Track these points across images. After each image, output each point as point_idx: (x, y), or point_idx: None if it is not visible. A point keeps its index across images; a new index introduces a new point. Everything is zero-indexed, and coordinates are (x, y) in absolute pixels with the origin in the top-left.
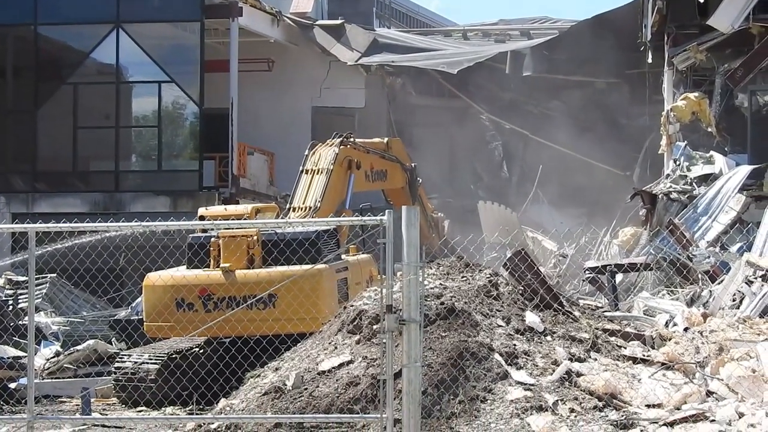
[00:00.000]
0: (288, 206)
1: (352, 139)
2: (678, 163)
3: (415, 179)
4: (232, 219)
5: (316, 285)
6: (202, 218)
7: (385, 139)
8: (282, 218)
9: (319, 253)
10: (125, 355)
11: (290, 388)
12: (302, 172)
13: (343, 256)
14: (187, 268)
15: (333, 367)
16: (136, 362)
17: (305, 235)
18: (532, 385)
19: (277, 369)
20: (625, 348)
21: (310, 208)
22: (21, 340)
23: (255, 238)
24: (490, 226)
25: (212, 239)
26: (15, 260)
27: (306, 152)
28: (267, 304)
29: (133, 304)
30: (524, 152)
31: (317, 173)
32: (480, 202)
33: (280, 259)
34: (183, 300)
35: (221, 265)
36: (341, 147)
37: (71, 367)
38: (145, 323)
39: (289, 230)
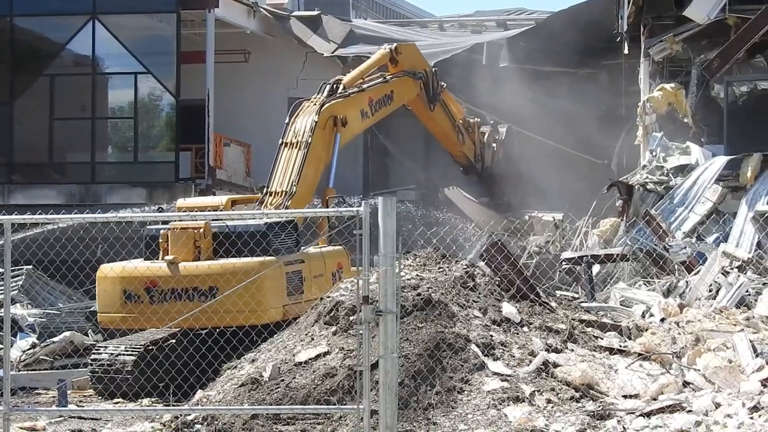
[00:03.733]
0: (265, 189)
1: (340, 87)
2: (654, 153)
3: (432, 84)
4: (208, 210)
5: (258, 277)
6: (180, 210)
7: (393, 45)
8: (259, 203)
9: (270, 246)
10: (101, 346)
11: (267, 379)
12: (282, 145)
13: (311, 249)
14: (144, 260)
15: (310, 359)
16: (112, 354)
17: (255, 227)
18: (509, 375)
19: (253, 360)
20: (602, 339)
21: (285, 193)
22: None
23: (203, 230)
24: (471, 209)
25: (162, 231)
26: None
27: (287, 119)
28: (210, 297)
29: None
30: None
31: (296, 147)
32: (446, 189)
33: (231, 251)
34: (130, 292)
35: (166, 257)
36: (323, 108)
37: (47, 359)
38: (98, 314)
39: (240, 222)
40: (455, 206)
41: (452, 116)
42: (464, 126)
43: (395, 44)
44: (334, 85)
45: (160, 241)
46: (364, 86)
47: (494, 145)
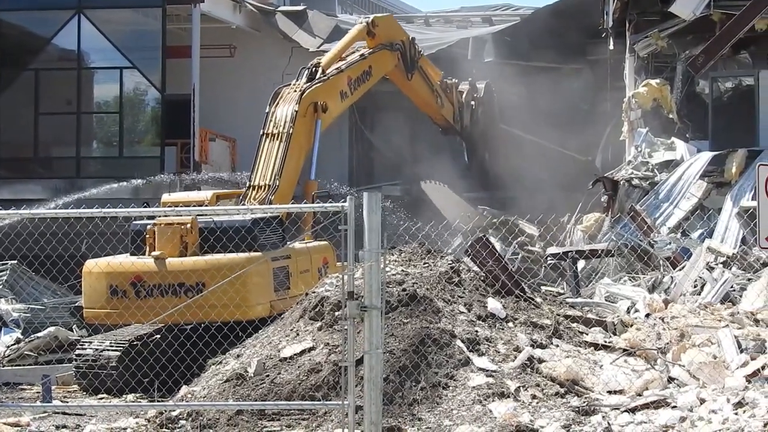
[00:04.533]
0: (248, 183)
1: (319, 71)
2: (639, 149)
3: (410, 53)
4: (194, 205)
5: (245, 273)
6: (165, 205)
7: (370, 18)
8: (243, 198)
9: (255, 241)
10: (86, 342)
11: (252, 375)
12: (263, 135)
13: (297, 244)
14: (130, 255)
15: (295, 354)
16: (97, 349)
17: (241, 223)
18: (494, 371)
19: (238, 356)
20: (587, 334)
21: (269, 187)
22: None
23: (190, 226)
24: (446, 206)
25: (148, 227)
26: None
27: (267, 108)
28: (196, 292)
29: None
30: (485, 138)
31: (277, 138)
32: (423, 182)
33: (216, 247)
34: (116, 287)
35: (153, 252)
36: (303, 96)
37: (32, 354)
38: (84, 309)
39: (226, 218)
40: (432, 202)
41: (430, 81)
42: (442, 88)
43: (372, 17)
44: (313, 69)
45: (146, 236)
46: (343, 66)
47: (473, 103)
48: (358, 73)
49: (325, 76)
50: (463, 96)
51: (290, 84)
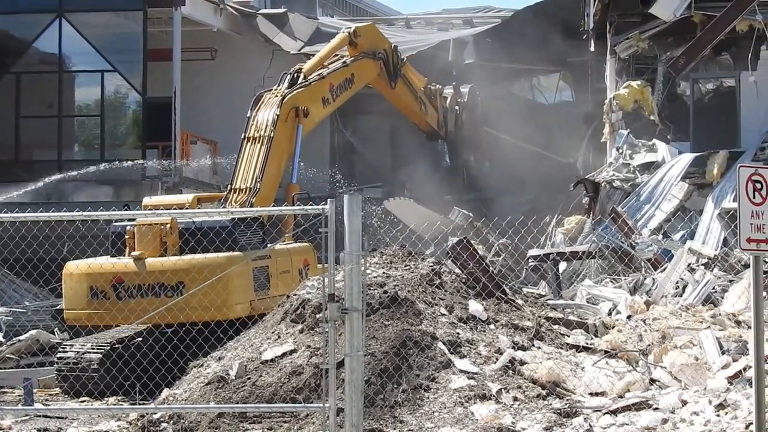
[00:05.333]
0: (229, 186)
1: (301, 76)
2: (621, 151)
3: (393, 61)
4: (175, 208)
5: (225, 273)
6: (146, 208)
7: (352, 28)
8: (224, 201)
9: (236, 242)
10: (67, 345)
11: (233, 377)
12: (244, 139)
13: (278, 245)
14: (110, 257)
15: (276, 357)
16: (78, 352)
17: (221, 223)
18: (476, 373)
19: (220, 358)
20: (568, 336)
21: (250, 189)
22: None
23: (169, 226)
24: (412, 219)
25: (128, 228)
26: None
27: (249, 112)
28: (177, 293)
29: None
30: (467, 141)
31: (259, 142)
32: (386, 201)
33: (197, 248)
34: (97, 288)
35: (132, 253)
36: (285, 100)
37: (13, 357)
38: (65, 312)
39: (206, 219)
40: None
41: (414, 88)
42: (426, 94)
43: (354, 27)
44: (295, 75)
45: (126, 237)
46: (325, 73)
47: (457, 108)
48: (341, 80)
49: (306, 81)
50: (447, 101)
51: (271, 89)
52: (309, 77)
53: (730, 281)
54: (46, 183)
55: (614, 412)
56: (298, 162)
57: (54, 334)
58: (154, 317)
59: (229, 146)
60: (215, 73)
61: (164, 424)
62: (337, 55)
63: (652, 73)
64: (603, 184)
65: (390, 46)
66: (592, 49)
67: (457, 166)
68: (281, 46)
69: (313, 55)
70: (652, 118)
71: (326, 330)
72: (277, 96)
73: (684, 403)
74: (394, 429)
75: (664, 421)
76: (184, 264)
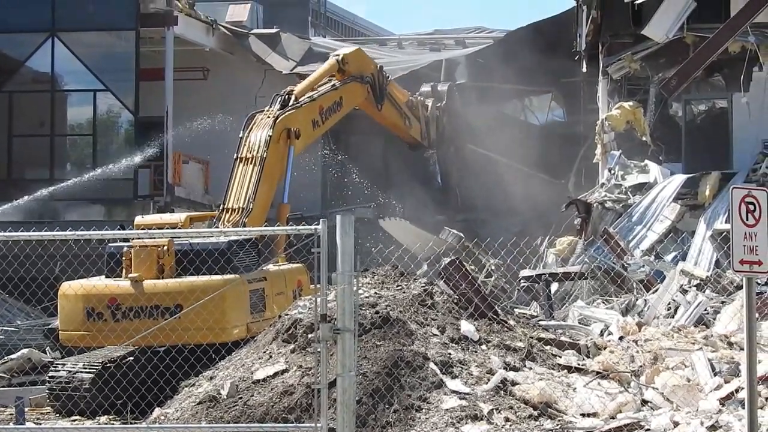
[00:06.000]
0: (222, 206)
1: (292, 98)
2: (613, 172)
3: (380, 82)
4: (167, 228)
5: (222, 295)
6: (138, 227)
7: (340, 55)
8: (216, 220)
9: (230, 264)
10: (59, 364)
11: (225, 397)
12: (236, 160)
13: (272, 266)
14: (106, 277)
15: (268, 376)
16: (70, 371)
17: (216, 245)
18: (467, 394)
19: (211, 378)
20: (560, 357)
21: (242, 210)
22: None
23: (166, 248)
24: (406, 239)
25: (124, 249)
26: None
27: (241, 133)
28: (173, 315)
29: None
30: (458, 160)
31: (251, 162)
32: (381, 220)
33: (190, 269)
34: (93, 309)
35: (130, 275)
36: (277, 121)
37: (5, 376)
38: (60, 332)
39: (202, 240)
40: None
41: (398, 105)
42: (408, 107)
43: (341, 55)
44: (286, 96)
45: (122, 258)
46: (315, 95)
47: (437, 113)
48: (330, 103)
49: (298, 103)
50: (429, 110)
51: (263, 110)
52: (300, 99)
53: (723, 303)
54: (37, 199)
55: None
56: (289, 183)
57: (46, 353)
58: (150, 339)
59: (221, 165)
60: (207, 92)
61: None
62: (327, 79)
63: (644, 94)
64: (595, 205)
65: (376, 68)
66: (584, 69)
67: (449, 185)
68: (273, 65)
69: (306, 75)
70: (644, 139)
71: (318, 350)
72: (269, 117)
73: (676, 424)
74: None
75: None
76: (183, 286)
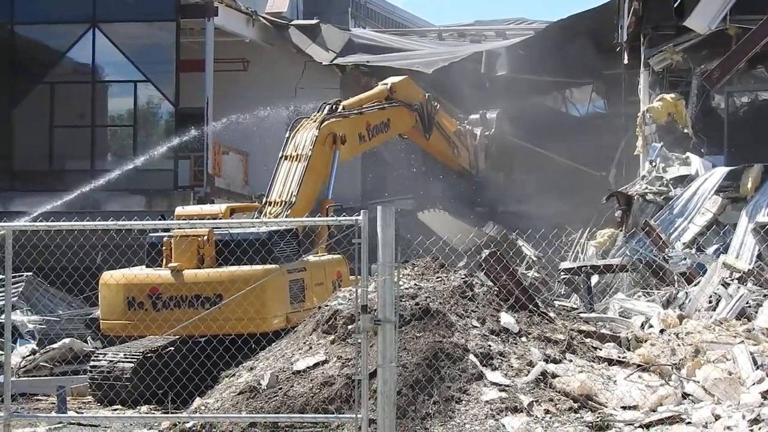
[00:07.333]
0: (264, 199)
1: (340, 107)
2: (654, 164)
3: (428, 111)
4: (207, 218)
5: (262, 285)
6: (179, 218)
7: (389, 84)
8: (258, 213)
9: (271, 254)
10: (101, 353)
11: (265, 387)
12: (282, 158)
13: (311, 257)
14: (146, 267)
15: (308, 367)
16: (111, 361)
17: (256, 235)
18: (507, 386)
19: (251, 368)
20: (601, 349)
21: (285, 203)
22: None
23: (206, 238)
24: (446, 232)
25: (165, 239)
26: None
27: (287, 133)
28: (214, 304)
29: None
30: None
31: (296, 160)
32: (420, 213)
33: (231, 259)
34: (134, 299)
35: (170, 264)
36: (323, 124)
37: (47, 365)
38: (101, 321)
39: (242, 230)
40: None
41: (446, 134)
42: (457, 135)
43: (389, 83)
44: (334, 105)
45: (162, 248)
46: (363, 110)
47: (485, 141)
48: (377, 121)
49: (345, 112)
50: (477, 139)
51: (310, 116)
52: (347, 111)
53: (765, 296)
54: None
55: (647, 426)
56: (333, 182)
57: (87, 343)
58: (191, 328)
59: (261, 157)
60: (247, 83)
61: None
62: (376, 104)
63: (686, 86)
64: (636, 198)
65: (424, 97)
66: (626, 61)
67: (488, 180)
68: (313, 57)
69: (345, 66)
70: (685, 131)
71: (359, 341)
72: (315, 121)
73: (717, 417)
74: None
75: None
76: (223, 276)
